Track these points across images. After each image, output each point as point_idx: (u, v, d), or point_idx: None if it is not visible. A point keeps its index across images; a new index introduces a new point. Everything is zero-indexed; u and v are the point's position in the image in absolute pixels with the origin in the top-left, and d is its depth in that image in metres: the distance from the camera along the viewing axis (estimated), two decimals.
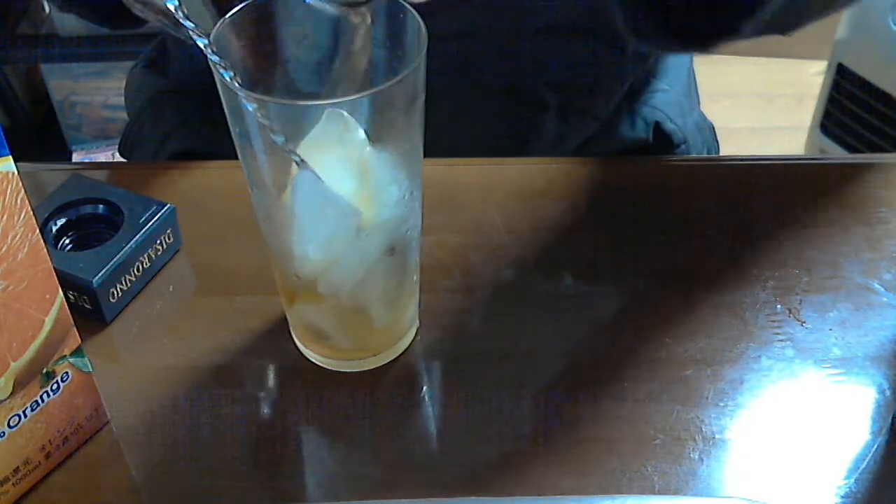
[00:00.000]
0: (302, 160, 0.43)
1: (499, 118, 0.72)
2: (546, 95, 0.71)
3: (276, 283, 0.52)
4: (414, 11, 0.43)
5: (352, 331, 0.52)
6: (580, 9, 0.67)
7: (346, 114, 0.42)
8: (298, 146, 0.43)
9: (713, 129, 0.82)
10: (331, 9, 0.44)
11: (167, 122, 0.76)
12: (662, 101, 0.75)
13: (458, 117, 0.66)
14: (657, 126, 0.74)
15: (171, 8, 0.42)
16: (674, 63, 0.78)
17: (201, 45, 0.41)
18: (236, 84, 0.41)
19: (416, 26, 0.43)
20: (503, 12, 0.66)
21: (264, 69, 0.46)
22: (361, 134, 0.43)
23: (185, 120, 0.75)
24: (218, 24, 0.43)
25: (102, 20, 0.67)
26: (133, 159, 0.80)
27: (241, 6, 0.44)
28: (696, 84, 0.82)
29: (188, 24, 0.42)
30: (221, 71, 0.41)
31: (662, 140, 0.74)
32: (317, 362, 0.52)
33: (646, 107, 0.75)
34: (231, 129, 0.44)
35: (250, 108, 0.41)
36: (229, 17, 0.43)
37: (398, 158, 0.45)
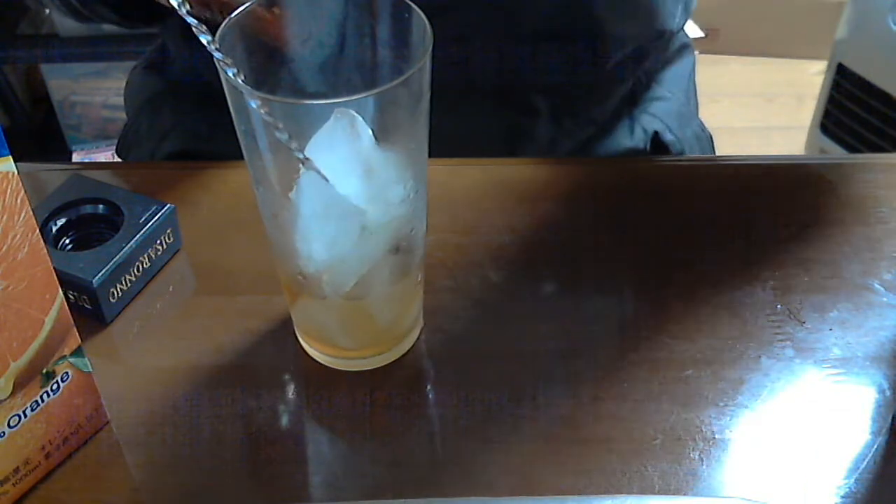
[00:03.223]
0: (307, 158, 0.43)
1: (491, 121, 0.71)
2: (538, 99, 0.71)
3: (280, 282, 0.52)
4: (419, 11, 0.43)
5: (356, 329, 0.52)
6: (574, 13, 0.67)
7: (354, 113, 0.42)
8: (304, 144, 0.43)
9: (711, 139, 0.81)
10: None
11: (164, 123, 0.76)
12: (662, 110, 0.75)
13: (451, 120, 0.66)
14: (655, 135, 0.74)
15: (175, 5, 0.42)
16: (675, 70, 0.78)
17: (205, 42, 0.41)
18: (240, 81, 0.41)
19: (422, 26, 0.43)
20: (499, 17, 0.66)
21: (268, 68, 0.46)
22: (369, 133, 0.43)
23: (182, 121, 0.75)
24: (224, 23, 0.43)
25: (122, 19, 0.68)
26: (130, 159, 0.80)
27: (246, 5, 0.44)
28: (696, 92, 0.82)
29: (192, 20, 0.42)
30: (226, 68, 0.41)
31: (659, 150, 0.74)
32: (321, 361, 0.52)
33: (645, 115, 0.75)
34: (236, 127, 0.44)
35: (255, 106, 0.41)
36: (235, 15, 0.43)
37: (403, 158, 0.45)
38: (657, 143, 0.74)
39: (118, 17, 0.68)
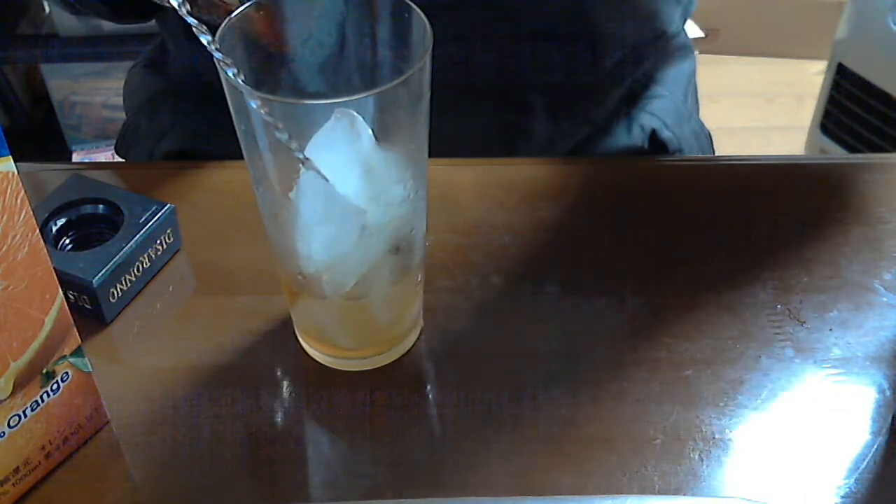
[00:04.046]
0: (307, 158, 0.43)
1: (490, 121, 0.71)
2: (537, 99, 0.71)
3: (280, 282, 0.52)
4: (419, 11, 0.43)
5: (355, 329, 0.52)
6: (574, 14, 0.67)
7: (354, 113, 0.42)
8: (304, 144, 0.43)
9: (710, 137, 0.81)
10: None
11: (163, 122, 0.76)
12: (660, 108, 0.75)
13: (451, 120, 0.66)
14: (653, 133, 0.74)
15: (175, 5, 0.42)
16: (675, 71, 0.78)
17: (205, 42, 0.41)
18: (240, 81, 0.41)
19: (422, 26, 0.43)
20: (499, 17, 0.66)
21: (268, 68, 0.46)
22: (369, 133, 0.43)
23: (181, 120, 0.75)
24: (224, 23, 0.43)
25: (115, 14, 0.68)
26: (129, 159, 0.80)
27: (246, 5, 0.44)
28: (696, 91, 0.82)
29: (192, 20, 0.42)
30: (226, 68, 0.41)
31: (657, 147, 0.74)
32: (321, 361, 0.52)
33: (644, 113, 0.75)
34: (236, 127, 0.44)
35: (255, 106, 0.41)
36: (235, 15, 0.43)
37: (403, 158, 0.45)
38: (655, 141, 0.74)
39: (110, 10, 0.68)
